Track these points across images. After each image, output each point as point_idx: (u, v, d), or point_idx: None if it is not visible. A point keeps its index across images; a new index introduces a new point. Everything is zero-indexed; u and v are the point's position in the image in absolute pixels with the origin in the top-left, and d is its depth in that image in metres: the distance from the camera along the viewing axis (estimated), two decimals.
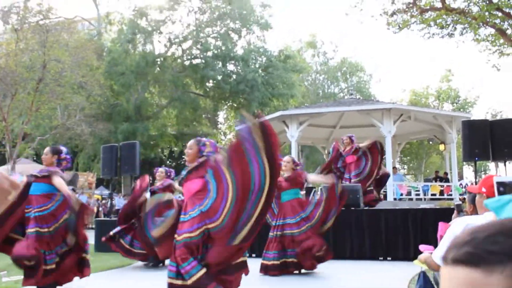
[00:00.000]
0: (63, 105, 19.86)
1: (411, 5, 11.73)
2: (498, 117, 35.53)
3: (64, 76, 18.38)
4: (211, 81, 29.65)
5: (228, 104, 32.24)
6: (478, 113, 40.17)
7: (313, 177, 8.55)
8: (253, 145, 4.24)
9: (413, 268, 6.25)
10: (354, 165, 10.18)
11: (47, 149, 6.16)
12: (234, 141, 4.46)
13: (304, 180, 7.58)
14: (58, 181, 5.83)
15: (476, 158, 9.61)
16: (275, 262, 7.04)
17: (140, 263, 8.62)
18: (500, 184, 2.40)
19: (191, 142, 5.00)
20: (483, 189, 3.07)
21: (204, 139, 5.09)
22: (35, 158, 22.25)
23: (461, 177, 26.80)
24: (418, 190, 17.45)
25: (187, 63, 29.84)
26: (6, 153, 19.29)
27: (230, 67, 29.88)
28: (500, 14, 10.84)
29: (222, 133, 37.02)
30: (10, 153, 17.07)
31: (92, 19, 33.82)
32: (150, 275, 7.68)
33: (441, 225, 4.60)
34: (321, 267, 7.48)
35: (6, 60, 17.49)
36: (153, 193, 8.27)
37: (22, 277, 7.14)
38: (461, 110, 36.22)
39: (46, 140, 20.74)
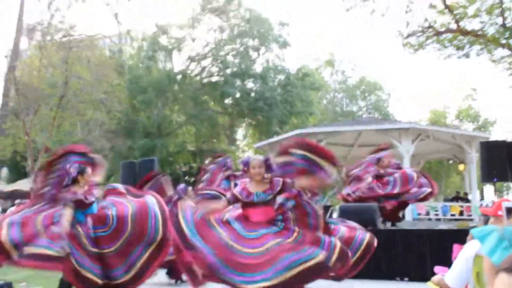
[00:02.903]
0: (83, 121, 20.18)
1: (426, 28, 11.77)
2: None
3: (85, 93, 18.72)
4: (229, 98, 29.85)
5: (247, 121, 32.38)
6: (498, 133, 39.72)
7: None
8: None
9: None
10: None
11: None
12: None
13: None
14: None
15: (495, 179, 9.55)
16: None
17: None
18: (509, 209, 2.43)
19: (258, 162, 4.89)
20: (499, 212, 3.08)
21: (270, 155, 5.04)
22: None
23: (482, 197, 26.48)
24: (437, 210, 17.29)
25: (206, 80, 30.12)
26: (27, 167, 19.65)
27: (249, 84, 30.08)
28: None
29: (240, 150, 37.12)
30: (32, 167, 17.37)
31: (113, 36, 34.40)
32: None
33: (455, 247, 4.59)
34: (337, 286, 7.45)
35: (30, 76, 17.88)
36: None
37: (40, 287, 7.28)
38: (482, 129, 35.88)
39: None
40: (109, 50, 29.38)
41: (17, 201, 16.27)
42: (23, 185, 20.04)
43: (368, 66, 59.28)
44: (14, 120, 19.12)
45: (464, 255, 2.97)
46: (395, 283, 8.35)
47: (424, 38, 12.00)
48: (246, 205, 4.82)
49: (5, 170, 32.46)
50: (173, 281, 8.35)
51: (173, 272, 8.22)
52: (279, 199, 4.88)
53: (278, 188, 4.82)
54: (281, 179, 4.85)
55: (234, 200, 4.91)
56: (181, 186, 8.94)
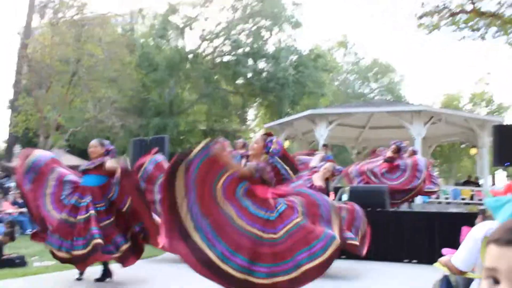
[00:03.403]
0: (95, 98, 20.26)
1: (440, 9, 11.57)
2: None
3: (97, 70, 18.75)
4: (241, 78, 29.78)
5: (258, 101, 32.32)
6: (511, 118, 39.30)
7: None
8: None
9: (437, 272, 6.21)
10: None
11: (95, 142, 6.26)
12: None
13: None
14: (110, 163, 5.97)
15: (507, 163, 9.46)
16: None
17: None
18: None
19: (258, 137, 4.94)
20: (509, 194, 3.06)
21: (274, 138, 4.96)
22: (67, 149, 22.71)
23: (493, 183, 26.30)
24: (448, 194, 17.22)
25: (218, 59, 30.03)
26: (39, 144, 19.79)
27: (261, 64, 29.96)
28: None
29: (251, 130, 37.13)
30: (44, 143, 17.51)
31: (125, 15, 34.32)
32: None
33: (464, 229, 4.59)
34: (345, 267, 7.49)
35: (42, 53, 17.92)
36: None
37: (53, 262, 7.38)
38: (495, 114, 35.54)
39: (78, 131, 21.19)
40: (121, 28, 29.34)
41: None
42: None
43: (381, 48, 58.71)
44: (26, 97, 19.23)
45: (472, 236, 2.95)
46: (403, 265, 8.37)
47: (438, 19, 11.80)
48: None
49: (18, 147, 32.80)
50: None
51: None
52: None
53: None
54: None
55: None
56: None
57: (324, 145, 12.60)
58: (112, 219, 5.79)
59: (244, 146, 10.61)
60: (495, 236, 0.95)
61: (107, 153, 6.21)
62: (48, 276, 6.57)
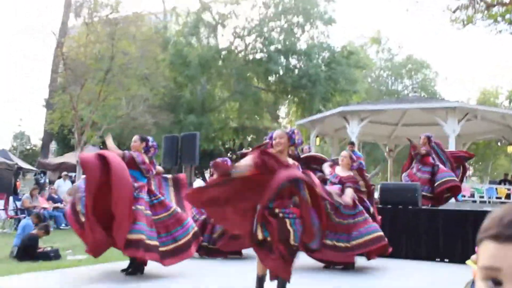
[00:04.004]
0: (128, 96, 20.54)
1: (475, 1, 11.27)
2: None
3: (130, 68, 19.00)
4: (273, 75, 29.72)
5: (290, 98, 32.22)
6: None
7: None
8: None
9: (470, 271, 6.08)
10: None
11: (136, 137, 6.51)
12: None
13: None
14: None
15: None
16: None
17: None
18: None
19: (280, 133, 4.95)
20: None
21: (294, 129, 5.10)
22: (101, 146, 23.08)
23: None
24: (483, 193, 16.88)
25: (250, 57, 30.05)
26: (73, 140, 20.20)
27: (293, 61, 29.84)
28: None
29: (283, 127, 37.07)
30: (78, 140, 17.86)
31: (158, 13, 34.69)
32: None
33: None
34: (376, 265, 7.41)
35: (77, 52, 18.27)
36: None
37: (86, 256, 7.53)
38: None
39: (111, 129, 21.52)
40: (154, 26, 29.67)
41: (64, 173, 16.84)
42: (70, 157, 20.69)
43: (415, 44, 57.81)
44: (62, 94, 19.64)
45: None
46: (434, 264, 8.24)
47: (473, 12, 11.49)
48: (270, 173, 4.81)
49: (53, 143, 33.57)
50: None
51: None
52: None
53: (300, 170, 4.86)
54: (300, 168, 4.93)
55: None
56: (227, 159, 9.06)
57: (351, 143, 12.50)
58: None
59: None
60: (491, 231, 0.84)
61: (147, 148, 6.38)
62: (81, 269, 6.71)
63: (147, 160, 6.36)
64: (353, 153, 10.88)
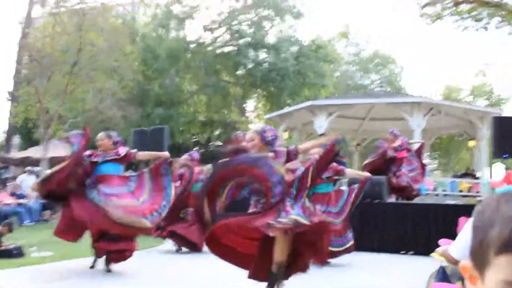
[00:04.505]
0: (96, 89, 20.22)
1: None
2: None
3: (98, 60, 18.70)
4: (242, 68, 29.70)
5: (258, 92, 32.27)
6: (510, 111, 39.32)
7: (350, 172, 8.22)
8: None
9: (434, 263, 6.26)
10: (406, 161, 10.13)
11: (102, 135, 6.39)
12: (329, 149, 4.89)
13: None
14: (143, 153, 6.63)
15: (505, 156, 9.50)
16: None
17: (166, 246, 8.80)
18: None
19: (250, 134, 4.96)
20: (505, 185, 3.10)
21: (265, 126, 5.12)
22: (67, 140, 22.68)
23: (490, 176, 26.34)
24: (446, 186, 17.28)
25: (219, 50, 29.96)
26: (37, 134, 19.78)
27: (262, 55, 29.86)
28: None
29: (250, 121, 37.11)
30: (43, 134, 17.50)
31: (126, 4, 34.21)
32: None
33: (461, 220, 4.62)
34: (343, 259, 7.54)
35: (43, 43, 17.86)
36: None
37: (50, 253, 7.44)
38: (495, 106, 35.52)
39: (77, 122, 21.17)
40: (122, 18, 29.24)
41: (28, 168, 16.49)
42: (35, 152, 20.24)
43: (382, 39, 58.56)
44: (26, 86, 19.19)
45: (469, 227, 2.99)
46: (400, 257, 8.43)
47: (442, 8, 11.74)
48: None
49: (17, 137, 32.81)
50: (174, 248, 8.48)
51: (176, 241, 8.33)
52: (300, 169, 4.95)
53: (284, 158, 4.88)
54: (284, 149, 4.92)
55: None
56: (195, 152, 9.09)
57: (322, 135, 12.63)
58: None
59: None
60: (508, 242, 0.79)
61: (115, 144, 6.33)
62: (45, 266, 6.61)
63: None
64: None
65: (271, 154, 4.85)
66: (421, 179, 10.06)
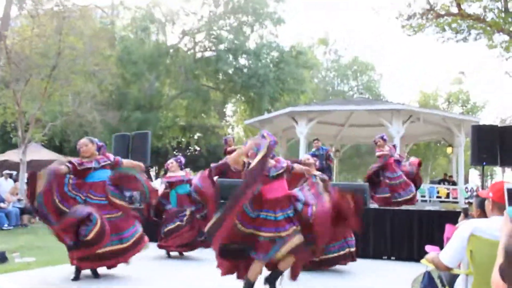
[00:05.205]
0: (75, 93, 19.99)
1: (427, 10, 11.78)
2: (507, 122, 35.45)
3: (78, 64, 18.50)
4: (222, 74, 29.72)
5: (238, 98, 32.33)
6: (486, 118, 40.13)
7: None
8: None
9: (417, 268, 6.35)
10: (391, 167, 10.28)
11: (85, 141, 6.29)
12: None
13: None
14: (126, 161, 6.53)
15: (484, 163, 9.69)
16: None
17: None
18: (511, 190, 2.51)
19: (252, 141, 5.00)
20: (490, 194, 3.19)
21: (264, 132, 5.15)
22: (43, 143, 22.36)
23: (466, 181, 26.82)
24: (424, 192, 17.52)
25: (199, 55, 29.95)
26: (15, 139, 19.45)
27: (242, 61, 29.93)
28: None
29: (230, 126, 37.14)
30: (22, 137, 17.23)
31: (105, 7, 33.95)
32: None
33: (448, 227, 4.71)
34: None
35: (21, 45, 17.61)
36: (172, 184, 8.43)
37: (33, 259, 7.34)
38: (470, 113, 36.18)
39: (57, 126, 20.89)
40: (101, 21, 28.99)
41: (5, 171, 16.22)
42: (12, 155, 19.92)
43: (361, 46, 59.14)
44: (4, 89, 18.88)
45: (459, 234, 3.08)
46: (382, 262, 8.53)
47: (424, 21, 12.01)
48: (267, 179, 4.88)
49: None
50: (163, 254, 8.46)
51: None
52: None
53: (285, 164, 4.98)
54: (285, 160, 5.01)
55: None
56: (180, 157, 9.06)
57: (316, 139, 12.78)
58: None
59: (234, 141, 11.11)
60: None
61: (99, 149, 6.28)
62: (31, 272, 6.51)
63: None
64: (319, 149, 11.18)
65: (272, 161, 4.95)
66: (404, 187, 10.21)
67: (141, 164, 6.75)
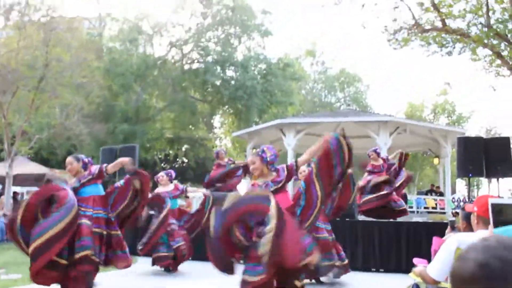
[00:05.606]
0: (62, 105, 19.90)
1: (412, 25, 11.96)
2: (492, 133, 35.88)
3: (65, 76, 18.42)
4: (210, 86, 29.73)
5: (225, 110, 32.34)
6: (472, 128, 40.58)
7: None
8: (339, 157, 4.69)
9: (405, 280, 6.39)
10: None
11: (71, 159, 6.25)
12: (324, 151, 4.71)
13: None
14: (111, 165, 6.33)
15: (470, 174, 9.78)
16: None
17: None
18: (494, 205, 2.55)
19: (250, 158, 5.05)
20: (475, 208, 3.23)
21: (264, 147, 5.11)
22: (29, 156, 22.22)
23: (453, 191, 26.98)
24: (412, 203, 17.61)
25: (186, 67, 29.97)
26: (3, 151, 19.26)
27: (229, 73, 29.99)
28: (497, 37, 11.12)
29: (218, 138, 37.11)
30: (8, 150, 17.08)
31: (92, 19, 33.93)
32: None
33: (435, 239, 4.76)
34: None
35: (8, 57, 17.52)
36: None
37: (20, 275, 7.25)
38: (456, 124, 36.52)
39: (43, 139, 20.73)
40: (88, 33, 28.95)
41: None
42: None
43: (348, 58, 59.69)
44: None
45: (446, 248, 3.11)
46: (370, 274, 8.55)
47: (410, 35, 12.18)
48: None
49: None
50: (161, 269, 8.43)
51: (160, 260, 8.30)
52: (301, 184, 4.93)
53: (285, 173, 4.94)
54: (284, 165, 4.98)
55: None
56: (170, 171, 9.08)
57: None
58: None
59: (226, 154, 11.22)
60: None
61: (85, 166, 6.24)
62: None
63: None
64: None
65: (273, 173, 4.94)
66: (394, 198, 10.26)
67: (125, 159, 6.60)
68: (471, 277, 0.98)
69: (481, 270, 0.97)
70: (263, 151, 4.97)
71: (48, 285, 5.69)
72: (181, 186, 8.93)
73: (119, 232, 6.06)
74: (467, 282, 0.99)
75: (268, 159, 4.92)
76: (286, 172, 4.94)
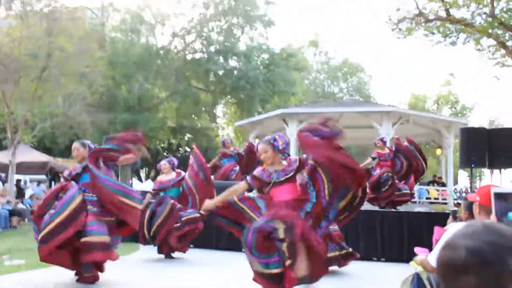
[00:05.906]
0: (65, 94, 19.90)
1: (416, 15, 11.90)
2: (495, 124, 35.80)
3: (68, 65, 18.40)
4: (212, 75, 29.71)
5: (228, 99, 32.32)
6: (475, 119, 40.50)
7: None
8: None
9: (406, 270, 6.41)
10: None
11: (77, 144, 6.25)
12: (331, 139, 4.80)
13: None
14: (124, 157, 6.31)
15: (473, 165, 9.77)
16: None
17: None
18: (497, 195, 2.55)
19: (262, 146, 4.96)
20: (477, 198, 3.24)
21: (275, 135, 5.07)
22: (32, 145, 22.24)
23: (456, 182, 27.02)
24: (414, 193, 17.61)
25: (189, 57, 29.92)
26: (6, 140, 19.31)
27: (232, 63, 29.94)
28: (502, 27, 11.07)
29: (220, 127, 37.12)
30: (11, 139, 17.12)
31: (95, 8, 33.81)
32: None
33: (436, 229, 4.77)
34: None
35: (10, 47, 17.49)
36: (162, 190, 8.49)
37: (23, 261, 7.31)
38: (459, 115, 36.45)
39: (46, 127, 20.76)
40: (91, 23, 28.87)
41: None
42: (1, 157, 19.79)
43: (351, 48, 59.44)
44: None
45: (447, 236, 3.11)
46: (372, 264, 8.58)
47: (413, 25, 12.12)
48: (269, 185, 4.85)
49: None
50: (162, 256, 8.47)
51: (163, 247, 8.34)
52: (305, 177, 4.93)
53: (296, 165, 4.91)
54: (297, 158, 4.97)
55: (255, 182, 4.92)
56: (173, 159, 9.12)
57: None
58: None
59: (232, 143, 11.45)
60: None
61: (91, 151, 6.25)
62: (21, 275, 6.48)
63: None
64: None
65: (284, 162, 4.93)
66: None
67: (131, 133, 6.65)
68: (463, 264, 0.96)
69: (474, 257, 0.96)
70: (274, 139, 4.91)
71: (61, 265, 5.84)
72: (183, 173, 8.94)
73: (113, 218, 6.03)
74: (460, 270, 0.97)
75: (280, 147, 4.89)
76: (298, 163, 4.92)
